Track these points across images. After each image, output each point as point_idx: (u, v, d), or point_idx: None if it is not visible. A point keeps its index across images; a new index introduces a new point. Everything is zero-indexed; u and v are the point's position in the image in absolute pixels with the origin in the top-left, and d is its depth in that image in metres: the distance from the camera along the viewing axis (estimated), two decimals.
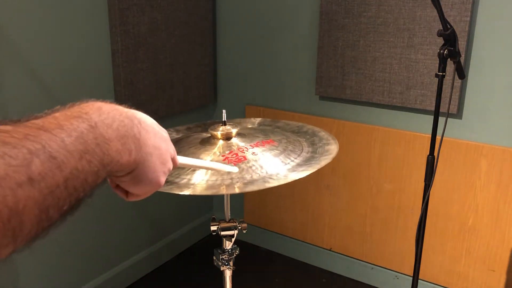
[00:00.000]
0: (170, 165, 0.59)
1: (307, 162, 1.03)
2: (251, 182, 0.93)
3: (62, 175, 0.39)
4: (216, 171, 0.95)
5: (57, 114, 0.43)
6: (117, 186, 0.57)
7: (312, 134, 1.23)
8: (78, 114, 0.44)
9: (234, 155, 1.01)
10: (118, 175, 0.51)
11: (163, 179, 0.57)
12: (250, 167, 0.98)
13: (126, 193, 0.58)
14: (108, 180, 0.54)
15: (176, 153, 0.63)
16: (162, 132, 0.58)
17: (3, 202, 0.34)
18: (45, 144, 0.38)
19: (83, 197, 0.43)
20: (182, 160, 0.70)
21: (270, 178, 0.95)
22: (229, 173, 0.95)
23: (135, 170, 0.52)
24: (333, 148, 1.11)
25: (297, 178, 0.94)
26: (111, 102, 0.50)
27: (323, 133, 1.22)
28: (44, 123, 0.40)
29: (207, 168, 0.93)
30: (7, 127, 0.37)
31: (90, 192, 0.43)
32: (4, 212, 0.34)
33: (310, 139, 1.19)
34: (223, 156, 1.00)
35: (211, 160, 1.00)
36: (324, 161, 1.03)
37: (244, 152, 1.02)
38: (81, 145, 0.41)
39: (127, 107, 0.53)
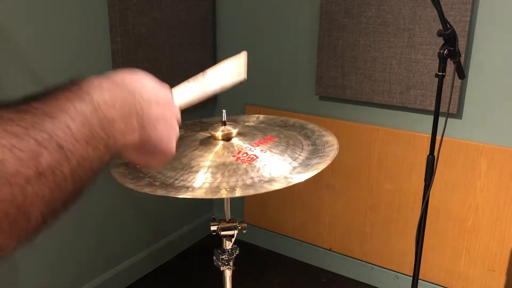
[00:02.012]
0: (177, 128, 0.57)
1: (314, 154, 1.03)
2: (272, 180, 0.93)
3: (69, 165, 0.37)
4: (220, 90, 0.85)
5: (58, 95, 0.40)
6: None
7: (300, 127, 1.23)
8: (80, 94, 0.41)
9: (245, 154, 1.00)
10: (125, 155, 0.50)
11: (173, 146, 0.56)
12: (265, 165, 0.97)
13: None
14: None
15: (178, 109, 0.61)
16: (164, 94, 0.55)
17: (13, 202, 0.32)
18: (52, 133, 0.36)
19: (87, 185, 0.41)
20: (182, 105, 0.68)
21: (290, 175, 0.94)
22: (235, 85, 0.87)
23: (142, 146, 0.50)
24: (331, 139, 1.12)
25: (319, 170, 0.94)
26: (108, 74, 0.48)
27: (312, 125, 1.22)
28: (48, 108, 0.37)
29: (208, 94, 0.83)
30: (10, 115, 0.35)
31: (94, 178, 0.42)
32: (12, 213, 0.32)
33: (302, 132, 1.19)
34: (233, 156, 1.00)
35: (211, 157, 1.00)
36: (332, 151, 1.03)
37: (253, 151, 1.01)
38: (86, 130, 0.39)
39: (125, 73, 0.50)
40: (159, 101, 0.53)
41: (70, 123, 0.38)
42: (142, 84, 0.51)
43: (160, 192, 0.89)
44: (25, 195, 0.33)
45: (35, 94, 0.39)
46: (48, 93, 0.40)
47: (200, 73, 0.81)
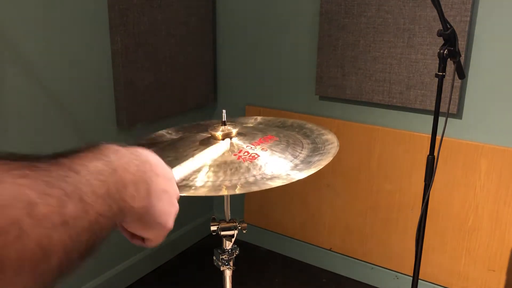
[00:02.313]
0: (177, 206, 0.59)
1: (315, 152, 1.04)
2: (275, 177, 0.93)
3: (88, 219, 0.39)
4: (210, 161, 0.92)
5: (81, 155, 0.43)
6: (133, 236, 0.57)
7: (299, 127, 1.23)
8: (99, 156, 0.44)
9: (246, 153, 1.00)
10: (128, 221, 0.51)
11: (171, 222, 0.57)
12: (266, 163, 0.97)
13: (143, 240, 0.58)
14: (122, 232, 0.55)
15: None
16: (169, 172, 0.58)
17: (40, 244, 0.34)
18: (76, 186, 0.38)
19: (99, 243, 0.42)
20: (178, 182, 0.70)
21: (292, 172, 0.94)
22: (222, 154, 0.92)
23: (145, 215, 0.52)
24: (331, 137, 1.12)
25: (321, 167, 0.94)
26: (123, 146, 0.51)
27: (310, 125, 1.23)
28: (73, 164, 0.41)
29: (199, 167, 0.90)
30: (46, 165, 0.38)
31: (104, 239, 0.43)
32: (38, 255, 0.33)
33: (301, 132, 1.19)
34: (235, 155, 1.00)
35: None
36: (333, 149, 1.03)
37: (254, 149, 1.02)
38: (104, 189, 0.42)
39: (138, 149, 0.54)
40: (165, 176, 0.56)
41: (92, 180, 0.41)
42: (153, 157, 0.55)
43: None
44: (50, 239, 0.35)
45: (61, 152, 0.43)
46: (72, 152, 0.43)
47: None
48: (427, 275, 2.11)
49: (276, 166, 0.97)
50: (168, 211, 0.56)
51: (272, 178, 0.93)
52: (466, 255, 2.00)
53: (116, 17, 1.92)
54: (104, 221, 0.41)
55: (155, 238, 0.58)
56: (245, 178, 0.93)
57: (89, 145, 0.46)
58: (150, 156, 0.54)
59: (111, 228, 0.44)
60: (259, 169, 0.96)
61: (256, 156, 0.99)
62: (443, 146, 1.45)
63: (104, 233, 0.42)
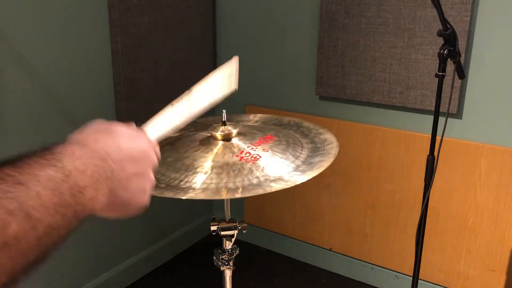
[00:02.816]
0: (152, 177, 0.58)
1: (315, 152, 1.03)
2: (279, 179, 0.92)
3: (36, 234, 0.37)
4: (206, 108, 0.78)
5: (31, 162, 0.41)
6: None
7: (296, 125, 1.23)
8: (52, 162, 0.42)
9: (248, 154, 1.00)
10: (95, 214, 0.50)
11: (145, 197, 0.57)
12: (268, 164, 0.97)
13: None
14: None
15: (156, 146, 0.61)
16: (139, 146, 0.56)
17: None
18: (22, 202, 0.36)
19: (52, 251, 0.41)
20: (159, 137, 0.67)
21: (296, 173, 0.94)
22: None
23: (112, 206, 0.51)
24: (329, 137, 1.12)
25: (324, 168, 0.94)
26: (82, 135, 0.49)
27: (307, 123, 1.22)
28: (20, 176, 0.38)
29: (196, 114, 0.77)
30: None
31: (60, 244, 0.42)
32: None
33: (298, 131, 1.19)
34: (236, 156, 0.99)
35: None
36: (333, 149, 1.03)
37: (255, 150, 1.01)
38: (56, 198, 0.40)
39: (98, 130, 0.51)
40: (133, 157, 0.54)
41: (41, 191, 0.38)
42: (115, 142, 0.52)
43: (168, 194, 0.88)
44: None
45: (9, 159, 0.40)
46: (22, 158, 0.41)
47: (185, 92, 0.76)
48: (427, 275, 2.11)
49: (279, 168, 0.97)
50: (139, 191, 0.55)
51: (276, 180, 0.92)
52: (466, 255, 2.00)
53: (116, 17, 1.92)
54: (56, 232, 0.40)
55: (130, 214, 0.57)
56: (249, 180, 0.93)
57: (41, 150, 0.44)
58: (111, 142, 0.52)
59: (68, 234, 0.42)
60: (262, 170, 0.95)
61: (258, 157, 0.99)
62: (443, 146, 1.45)
63: (58, 241, 0.41)
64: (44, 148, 0.44)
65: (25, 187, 0.38)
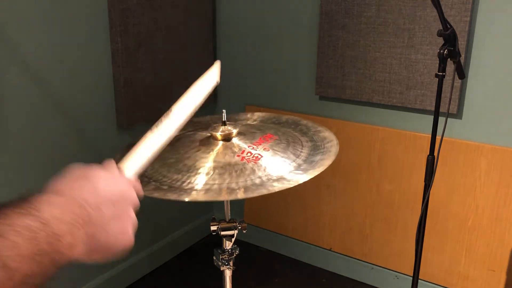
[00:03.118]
0: (134, 216, 0.59)
1: (316, 150, 1.03)
2: (282, 178, 0.92)
3: (13, 283, 0.37)
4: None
5: (9, 212, 0.41)
6: None
7: (295, 124, 1.23)
8: (29, 211, 0.43)
9: (249, 154, 0.99)
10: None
11: (128, 237, 0.57)
12: (270, 163, 0.97)
13: None
14: None
15: (136, 182, 0.61)
16: (116, 186, 0.56)
17: None
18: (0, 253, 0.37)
19: None
20: (139, 170, 0.66)
21: (298, 172, 0.94)
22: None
23: (93, 251, 0.52)
24: (328, 135, 1.11)
25: (326, 167, 0.94)
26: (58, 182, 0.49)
27: (305, 122, 1.22)
28: None
29: (179, 129, 0.76)
30: None
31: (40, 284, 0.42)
32: None
33: (297, 129, 1.19)
34: (238, 156, 0.99)
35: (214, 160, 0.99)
36: (333, 147, 1.03)
37: (256, 149, 1.01)
38: (33, 246, 0.40)
39: (74, 176, 0.52)
40: (111, 199, 0.54)
41: (18, 240, 0.39)
42: (92, 187, 0.53)
43: (171, 196, 0.88)
44: None
45: None
46: (0, 208, 0.41)
47: (164, 114, 0.75)
48: (427, 275, 2.11)
49: (280, 167, 0.97)
50: (121, 232, 0.55)
51: (278, 179, 0.92)
52: (466, 255, 2.00)
53: (116, 17, 1.92)
54: (32, 280, 0.40)
55: (115, 256, 0.57)
56: (251, 180, 0.92)
57: (19, 199, 0.44)
58: (87, 188, 0.52)
59: (45, 281, 0.43)
60: (264, 170, 0.95)
61: (259, 156, 0.98)
62: (443, 146, 1.45)
63: (35, 286, 0.41)
64: (22, 198, 0.45)
65: (2, 237, 0.38)
